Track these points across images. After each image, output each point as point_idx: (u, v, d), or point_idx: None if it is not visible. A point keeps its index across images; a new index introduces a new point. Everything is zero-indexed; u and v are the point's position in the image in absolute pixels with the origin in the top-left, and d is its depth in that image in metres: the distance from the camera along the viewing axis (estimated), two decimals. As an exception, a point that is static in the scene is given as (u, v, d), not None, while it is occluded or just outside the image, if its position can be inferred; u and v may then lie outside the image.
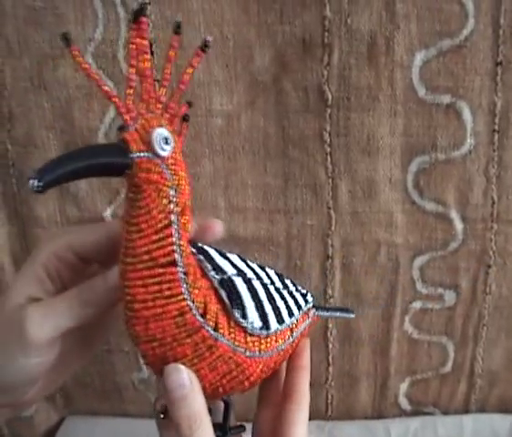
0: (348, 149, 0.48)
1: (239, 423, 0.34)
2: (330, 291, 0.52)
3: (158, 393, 0.35)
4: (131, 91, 0.27)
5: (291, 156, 0.48)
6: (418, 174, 0.48)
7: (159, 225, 0.28)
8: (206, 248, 0.32)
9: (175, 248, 0.28)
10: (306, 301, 0.36)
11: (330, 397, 0.57)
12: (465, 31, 0.44)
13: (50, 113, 0.48)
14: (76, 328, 0.31)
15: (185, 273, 0.28)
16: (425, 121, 0.47)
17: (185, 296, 0.28)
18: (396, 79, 0.46)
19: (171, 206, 0.28)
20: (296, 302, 0.35)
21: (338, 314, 0.44)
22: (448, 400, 0.56)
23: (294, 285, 0.36)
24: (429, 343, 0.54)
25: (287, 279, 0.36)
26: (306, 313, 0.36)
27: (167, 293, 0.28)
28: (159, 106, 0.28)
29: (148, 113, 0.28)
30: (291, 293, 0.35)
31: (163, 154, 0.27)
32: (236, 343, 0.30)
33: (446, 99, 0.46)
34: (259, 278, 0.33)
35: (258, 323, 0.31)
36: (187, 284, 0.28)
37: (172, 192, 0.28)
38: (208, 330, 0.29)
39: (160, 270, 0.28)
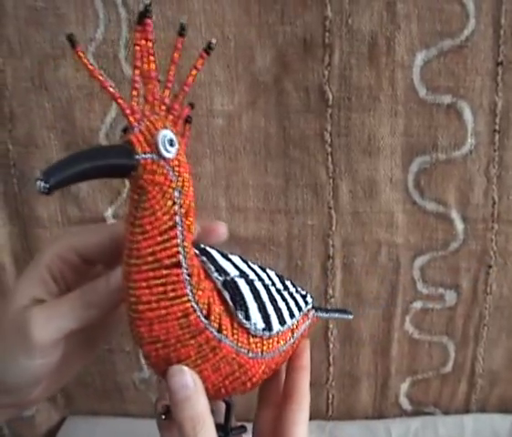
0: (349, 149, 0.48)
1: (240, 424, 0.34)
2: (331, 291, 0.52)
3: (159, 394, 0.35)
4: (136, 93, 0.27)
5: (291, 156, 0.48)
6: (419, 174, 0.48)
7: (164, 226, 0.28)
8: (208, 249, 0.32)
9: (179, 249, 0.28)
10: (306, 303, 0.36)
11: (330, 397, 0.57)
12: (465, 31, 0.44)
13: (51, 113, 0.48)
14: (79, 329, 0.31)
15: (189, 275, 0.29)
16: (426, 121, 0.47)
17: (189, 297, 0.28)
18: (397, 79, 0.46)
19: (176, 207, 0.28)
20: (297, 303, 0.35)
21: (337, 315, 0.44)
22: (449, 400, 0.57)
23: (294, 286, 0.36)
24: (430, 343, 0.54)
25: (287, 280, 0.36)
26: (306, 314, 0.36)
27: (171, 295, 0.28)
28: (164, 107, 0.28)
29: (153, 115, 0.28)
30: (291, 294, 0.35)
31: (168, 156, 0.27)
32: (239, 344, 0.30)
33: (447, 99, 0.46)
34: (260, 279, 0.33)
35: (261, 324, 0.31)
36: (191, 285, 0.29)
37: (177, 194, 0.28)
38: (212, 332, 0.29)
39: (165, 272, 0.28)
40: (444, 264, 0.51)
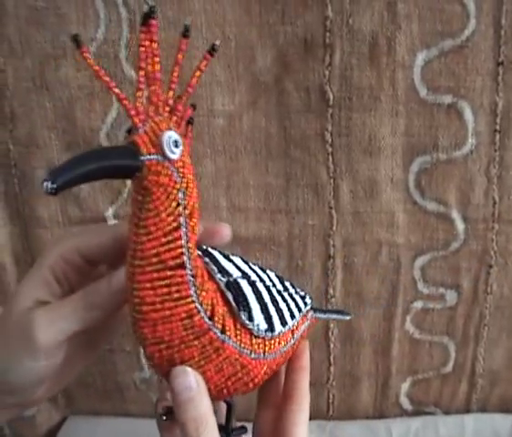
0: (350, 149, 0.48)
1: (240, 425, 0.34)
2: (331, 291, 0.52)
3: (159, 395, 0.35)
4: (141, 93, 0.27)
5: (292, 156, 0.48)
6: (420, 174, 0.48)
7: (168, 227, 0.28)
8: (210, 250, 0.32)
9: (184, 250, 0.28)
10: (305, 304, 0.37)
11: (331, 397, 0.57)
12: (466, 31, 0.44)
13: (52, 113, 0.48)
14: (81, 331, 0.32)
15: (193, 276, 0.28)
16: (427, 121, 0.47)
17: (193, 298, 0.28)
18: (398, 79, 0.46)
19: (180, 208, 0.28)
20: (296, 304, 0.35)
21: (334, 316, 0.45)
22: (449, 399, 0.57)
23: (293, 287, 0.37)
24: (430, 343, 0.54)
25: (286, 281, 0.36)
26: (305, 315, 0.36)
27: (175, 295, 0.28)
28: (167, 108, 0.28)
29: (157, 116, 0.28)
30: (291, 295, 0.35)
31: (173, 157, 0.27)
32: (242, 345, 0.30)
33: (448, 99, 0.46)
34: (262, 280, 0.33)
35: (263, 325, 0.31)
36: (195, 287, 0.29)
37: (181, 195, 0.28)
38: (215, 333, 0.29)
39: (169, 273, 0.28)
40: (444, 264, 0.51)
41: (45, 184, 0.23)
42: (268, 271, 0.35)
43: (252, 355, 0.31)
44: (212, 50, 0.29)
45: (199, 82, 0.29)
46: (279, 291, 0.34)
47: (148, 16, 0.27)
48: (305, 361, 0.36)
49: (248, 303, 0.30)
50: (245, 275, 0.32)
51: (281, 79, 0.46)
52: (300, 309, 0.35)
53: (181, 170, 0.28)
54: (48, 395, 0.35)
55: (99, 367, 0.56)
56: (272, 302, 0.33)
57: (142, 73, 0.27)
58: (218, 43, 0.29)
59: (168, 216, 0.28)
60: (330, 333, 0.54)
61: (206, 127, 0.48)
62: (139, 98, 0.27)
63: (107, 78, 0.27)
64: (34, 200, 0.50)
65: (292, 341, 0.34)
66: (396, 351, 0.54)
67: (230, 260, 0.32)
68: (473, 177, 0.48)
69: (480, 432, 0.55)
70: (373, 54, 0.45)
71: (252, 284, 0.32)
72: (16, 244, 0.52)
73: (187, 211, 0.28)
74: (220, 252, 0.32)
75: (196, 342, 0.29)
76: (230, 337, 0.29)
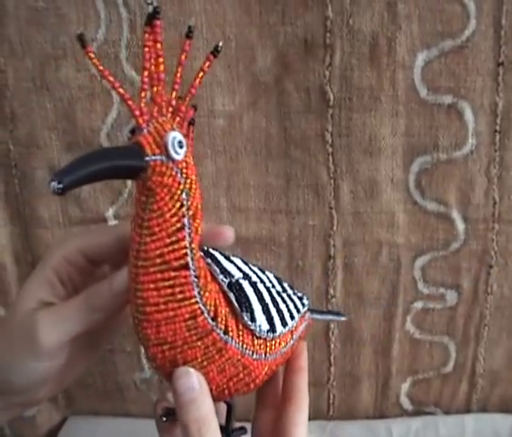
0: (350, 150, 0.48)
1: (240, 425, 0.34)
2: (332, 291, 0.52)
3: (160, 395, 0.36)
4: (144, 94, 0.27)
5: (292, 156, 0.48)
6: (420, 174, 0.48)
7: (172, 228, 0.28)
8: (212, 251, 0.32)
9: (187, 251, 0.28)
10: (303, 304, 0.37)
11: (331, 397, 0.57)
12: (466, 32, 0.44)
13: (52, 113, 0.48)
14: (84, 332, 0.32)
15: (197, 276, 0.28)
16: (427, 121, 0.47)
17: (197, 299, 0.28)
18: (398, 80, 0.46)
19: (184, 209, 0.28)
20: (295, 305, 0.35)
21: (330, 317, 0.45)
22: (450, 399, 0.57)
23: (291, 288, 0.37)
24: (431, 343, 0.54)
25: (284, 282, 0.36)
26: (303, 316, 0.37)
27: (179, 296, 0.28)
28: (170, 109, 0.28)
29: (161, 116, 0.28)
30: (289, 296, 0.36)
31: (177, 157, 0.27)
32: (244, 346, 0.30)
33: (448, 100, 0.46)
34: (262, 281, 0.33)
35: (265, 326, 0.31)
36: (199, 287, 0.28)
37: (184, 196, 0.28)
38: (218, 333, 0.29)
39: (173, 274, 0.28)
40: (444, 264, 0.51)
41: (52, 184, 0.23)
42: (267, 272, 0.35)
43: (254, 356, 0.31)
44: (215, 51, 0.29)
45: (200, 82, 0.29)
46: (278, 292, 0.34)
47: (152, 17, 0.27)
48: (304, 362, 0.36)
49: (250, 304, 0.30)
50: (246, 276, 0.32)
51: (281, 80, 0.46)
52: (298, 310, 0.36)
53: (185, 171, 0.28)
54: (50, 395, 0.35)
55: (100, 367, 0.56)
56: (273, 303, 0.33)
57: (146, 73, 0.27)
58: (221, 44, 0.29)
59: (172, 217, 0.28)
60: (330, 333, 0.54)
61: (206, 128, 0.48)
62: (143, 99, 0.27)
63: (112, 78, 0.27)
64: (34, 201, 0.50)
65: (292, 342, 0.34)
66: (397, 351, 0.54)
67: (231, 261, 0.32)
68: (473, 177, 0.48)
69: (480, 432, 0.55)
70: (374, 54, 0.45)
71: (254, 285, 0.32)
72: (17, 244, 0.52)
73: (190, 212, 0.28)
74: (221, 253, 0.32)
75: (199, 343, 0.29)
76: (232, 338, 0.29)
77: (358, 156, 0.48)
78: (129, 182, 0.50)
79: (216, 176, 0.49)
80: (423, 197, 0.49)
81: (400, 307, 0.53)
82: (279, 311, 0.33)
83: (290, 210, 0.50)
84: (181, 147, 0.27)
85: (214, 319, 0.29)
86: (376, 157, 0.48)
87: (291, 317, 0.34)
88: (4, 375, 0.31)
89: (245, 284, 0.31)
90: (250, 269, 0.34)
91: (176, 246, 0.28)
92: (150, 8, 0.28)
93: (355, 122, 0.47)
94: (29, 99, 0.47)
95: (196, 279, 0.28)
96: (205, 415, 0.29)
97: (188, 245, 0.28)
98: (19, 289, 0.50)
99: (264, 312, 0.31)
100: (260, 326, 0.31)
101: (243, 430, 0.34)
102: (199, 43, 0.45)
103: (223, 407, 0.33)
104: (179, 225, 0.28)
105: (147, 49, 0.27)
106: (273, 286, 0.34)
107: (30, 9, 0.45)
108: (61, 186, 0.23)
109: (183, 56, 0.29)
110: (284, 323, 0.33)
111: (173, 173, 0.27)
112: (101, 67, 0.27)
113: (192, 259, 0.28)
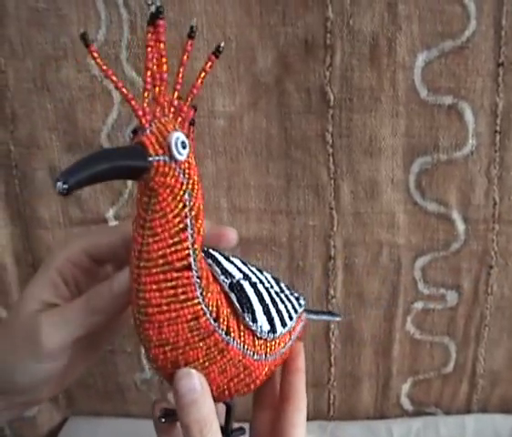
0: (350, 150, 0.48)
1: (238, 426, 0.34)
2: (332, 292, 0.52)
3: (161, 396, 0.36)
4: (147, 94, 0.27)
5: (293, 157, 0.48)
6: (420, 175, 0.48)
7: (175, 229, 0.28)
8: (212, 252, 0.32)
9: (190, 252, 0.28)
10: (300, 305, 0.37)
11: (332, 397, 0.57)
12: (466, 32, 0.44)
13: (53, 114, 0.48)
14: (85, 335, 0.32)
15: (199, 277, 0.28)
16: (427, 122, 0.47)
17: (200, 300, 0.28)
18: (398, 80, 0.46)
19: (186, 210, 0.28)
20: (293, 306, 0.36)
21: (325, 317, 0.45)
22: (450, 400, 0.57)
23: (288, 289, 0.37)
24: (431, 344, 0.54)
25: (281, 282, 0.37)
26: (300, 317, 0.37)
27: (182, 297, 0.28)
28: (172, 109, 0.28)
29: (163, 116, 0.28)
30: (287, 297, 0.36)
31: (181, 158, 0.27)
32: (246, 347, 0.30)
33: (448, 100, 0.46)
34: (261, 282, 0.33)
35: (266, 327, 0.31)
36: (201, 288, 0.28)
37: (187, 196, 0.28)
38: (220, 334, 0.29)
39: (175, 274, 0.28)
40: (445, 264, 0.51)
41: (58, 184, 0.23)
42: (265, 273, 0.35)
43: (255, 357, 0.31)
44: (217, 51, 0.29)
45: (202, 83, 0.29)
46: (277, 293, 0.34)
47: (155, 16, 0.27)
48: (301, 363, 0.36)
49: (251, 305, 0.30)
50: (246, 276, 0.32)
51: (281, 80, 0.47)
52: (296, 311, 0.36)
53: (187, 172, 0.28)
54: (51, 394, 0.35)
55: (100, 368, 0.56)
56: (273, 304, 0.33)
57: (149, 73, 0.27)
58: (222, 44, 0.29)
59: (175, 217, 0.28)
60: (330, 334, 0.54)
61: (207, 128, 0.48)
62: (146, 99, 0.27)
63: (115, 77, 0.27)
64: (34, 201, 0.50)
65: (290, 343, 0.35)
66: (397, 352, 0.54)
67: (231, 262, 0.32)
68: (473, 177, 0.48)
69: (481, 433, 0.55)
70: (374, 55, 0.45)
71: (254, 286, 0.32)
72: (17, 245, 0.52)
73: (193, 213, 0.28)
74: (221, 253, 0.32)
75: (201, 344, 0.29)
76: (234, 338, 0.29)
77: (358, 156, 0.48)
78: (130, 183, 0.50)
79: (216, 176, 0.49)
80: (423, 197, 0.49)
81: (400, 307, 0.53)
82: (278, 312, 0.33)
83: (290, 211, 0.50)
84: (184, 147, 0.27)
85: (216, 319, 0.29)
86: (377, 157, 0.48)
87: (290, 317, 0.34)
88: (7, 376, 0.32)
89: (246, 285, 0.31)
90: (249, 269, 0.34)
91: (178, 247, 0.28)
92: (153, 8, 0.28)
93: (356, 122, 0.47)
94: (30, 100, 0.47)
95: (198, 280, 0.28)
96: (206, 416, 0.29)
97: (190, 246, 0.28)
98: (22, 290, 0.50)
99: (265, 313, 0.31)
100: (261, 327, 0.31)
101: (242, 430, 0.34)
102: (200, 43, 0.45)
103: (222, 407, 0.33)
104: (181, 225, 0.28)
105: (149, 49, 0.27)
106: (272, 286, 0.35)
107: (31, 10, 0.45)
108: (66, 186, 0.23)
109: (185, 56, 0.28)
110: (284, 323, 0.33)
111: (176, 174, 0.27)
112: (105, 67, 0.26)
113: (195, 260, 0.28)
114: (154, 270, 0.28)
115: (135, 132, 0.27)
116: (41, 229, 0.51)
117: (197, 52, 0.44)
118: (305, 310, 0.38)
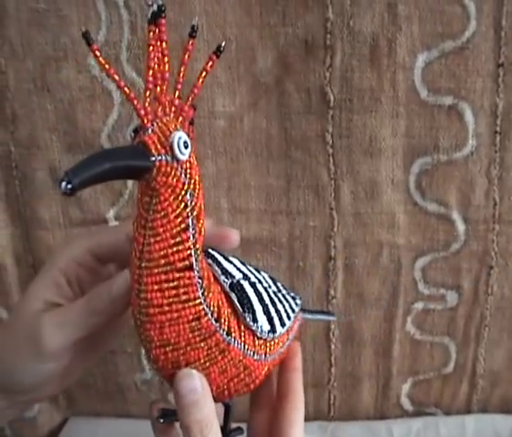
0: (350, 151, 0.48)
1: (237, 426, 0.34)
2: (332, 292, 0.52)
3: (161, 396, 0.36)
4: (149, 93, 0.27)
5: (293, 157, 0.48)
6: (420, 175, 0.48)
7: (177, 229, 0.28)
8: (211, 252, 0.32)
9: (192, 252, 0.28)
10: (296, 304, 0.37)
11: (332, 398, 0.57)
12: (467, 33, 0.44)
13: (53, 115, 0.48)
14: (86, 335, 0.32)
15: (200, 277, 0.28)
16: (427, 122, 0.47)
17: (201, 300, 0.28)
18: (398, 81, 0.46)
19: (188, 210, 0.28)
20: (290, 306, 0.36)
21: (320, 317, 0.45)
22: (450, 400, 0.57)
23: (285, 288, 0.37)
24: (431, 344, 0.54)
25: (278, 282, 0.37)
26: (296, 316, 0.37)
27: (183, 297, 0.28)
28: (173, 109, 0.28)
29: (165, 116, 0.28)
30: (284, 296, 0.36)
31: (183, 158, 0.27)
32: (246, 347, 0.30)
33: (448, 101, 0.46)
34: (260, 282, 0.33)
35: (266, 327, 0.31)
36: (202, 288, 0.28)
37: (188, 196, 0.28)
38: (221, 334, 0.29)
39: (177, 275, 0.28)
40: (445, 265, 0.51)
41: (62, 184, 0.23)
42: (262, 272, 0.35)
43: (255, 356, 0.31)
44: (218, 51, 0.29)
45: (203, 82, 0.29)
46: (274, 293, 0.35)
47: (157, 15, 0.27)
48: (298, 362, 0.36)
49: (252, 305, 0.31)
50: (246, 276, 0.32)
51: (281, 80, 0.47)
52: (293, 310, 0.36)
53: (189, 171, 0.28)
54: (52, 394, 0.36)
55: (100, 368, 0.56)
56: (272, 303, 0.33)
57: (151, 72, 0.27)
58: (223, 44, 0.29)
59: (177, 217, 0.27)
60: (331, 334, 0.54)
61: (207, 129, 0.48)
62: (147, 98, 0.27)
63: (117, 77, 0.27)
64: (35, 202, 0.50)
65: (288, 342, 0.35)
66: (397, 352, 0.54)
67: (230, 262, 0.32)
68: (473, 178, 0.48)
69: (481, 433, 0.55)
70: (374, 55, 0.45)
71: (253, 285, 0.32)
72: (17, 245, 0.52)
73: (194, 213, 0.28)
74: (220, 253, 0.32)
75: (202, 344, 0.29)
76: (235, 339, 0.29)
77: (358, 157, 0.48)
78: (130, 183, 0.50)
79: (217, 177, 0.49)
80: (423, 198, 0.49)
81: (400, 308, 0.53)
82: (277, 312, 0.33)
83: (290, 211, 0.50)
84: (186, 147, 0.27)
85: (217, 320, 0.29)
86: (377, 158, 0.48)
87: (288, 317, 0.34)
88: (9, 375, 0.32)
89: (246, 285, 0.31)
90: (248, 269, 0.34)
91: (180, 247, 0.28)
92: (155, 6, 0.28)
93: (356, 123, 0.47)
94: (30, 100, 0.47)
95: (200, 281, 0.28)
96: (207, 416, 0.29)
97: (192, 246, 0.28)
98: (22, 291, 0.50)
99: (265, 313, 0.31)
100: (261, 327, 0.31)
101: (240, 430, 0.34)
102: (200, 44, 0.45)
103: (220, 408, 0.33)
104: (183, 226, 0.28)
105: (151, 48, 0.27)
106: (270, 286, 0.35)
107: (31, 10, 0.45)
108: (71, 186, 0.23)
109: (186, 56, 0.28)
110: (283, 323, 0.33)
111: (178, 173, 0.27)
112: (107, 66, 0.26)
113: (196, 260, 0.28)
114: (155, 271, 0.28)
115: (136, 132, 0.27)
116: (41, 230, 0.51)
117: (197, 52, 0.44)
118: (301, 310, 0.38)
